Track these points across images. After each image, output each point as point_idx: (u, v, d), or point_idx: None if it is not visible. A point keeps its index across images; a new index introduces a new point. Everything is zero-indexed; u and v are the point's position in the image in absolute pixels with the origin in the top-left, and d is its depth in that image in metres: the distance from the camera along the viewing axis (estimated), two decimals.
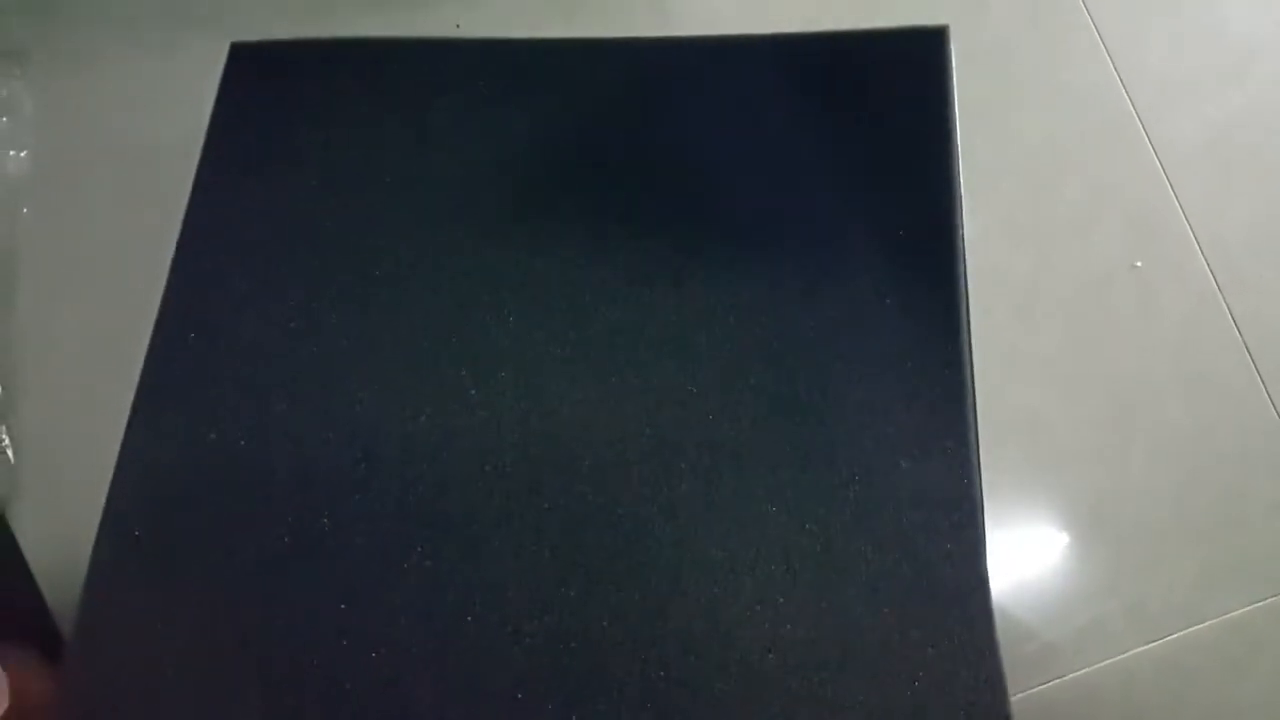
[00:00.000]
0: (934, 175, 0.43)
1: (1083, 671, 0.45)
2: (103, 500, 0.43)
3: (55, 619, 0.44)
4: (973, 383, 0.40)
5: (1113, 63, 0.54)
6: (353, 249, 0.42)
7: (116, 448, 0.44)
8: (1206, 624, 0.45)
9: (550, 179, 0.43)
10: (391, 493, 0.38)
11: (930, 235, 0.42)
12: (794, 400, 0.39)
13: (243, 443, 0.39)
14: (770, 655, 0.35)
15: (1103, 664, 0.45)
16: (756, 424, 0.39)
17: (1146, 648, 0.45)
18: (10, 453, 0.49)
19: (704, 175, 0.43)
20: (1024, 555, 0.46)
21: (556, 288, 0.40)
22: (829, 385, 0.40)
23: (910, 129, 0.43)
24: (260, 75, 0.47)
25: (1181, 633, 0.45)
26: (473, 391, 0.39)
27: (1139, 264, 0.50)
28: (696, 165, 0.44)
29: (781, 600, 0.36)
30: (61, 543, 0.46)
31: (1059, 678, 0.45)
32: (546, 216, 0.42)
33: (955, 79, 0.46)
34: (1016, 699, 0.44)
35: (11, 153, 0.57)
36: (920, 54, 0.44)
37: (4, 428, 0.49)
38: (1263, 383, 0.49)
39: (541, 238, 0.42)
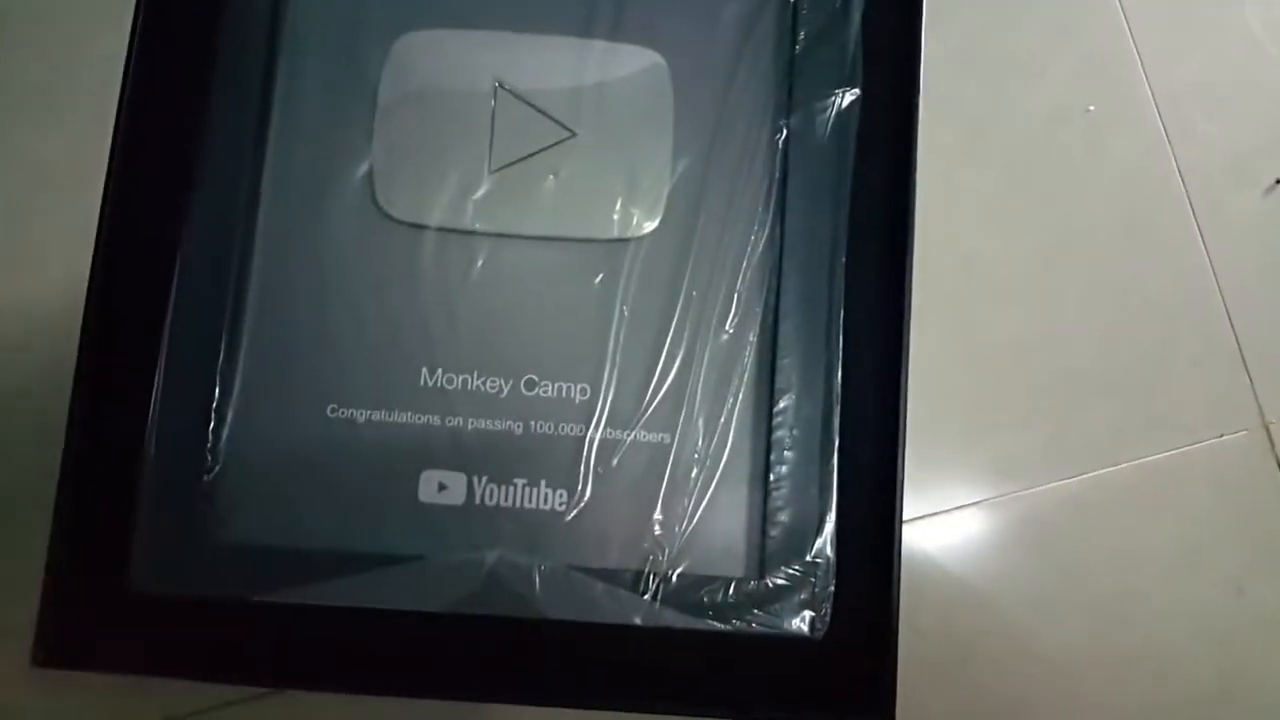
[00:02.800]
0: None
1: (992, 499, 0.45)
2: None
3: None
4: None
5: None
6: None
7: None
8: (1121, 466, 0.46)
9: None
10: None
11: None
12: None
13: None
14: None
15: (1013, 494, 0.45)
16: None
17: (1059, 484, 0.45)
18: None
19: None
20: (946, 385, 0.46)
21: None
22: None
23: None
24: None
25: (1095, 472, 0.45)
26: None
27: (1092, 108, 0.50)
28: None
29: None
30: None
31: (972, 504, 0.45)
32: None
33: None
34: (926, 520, 0.43)
35: None
36: None
37: None
38: (1201, 236, 0.49)
39: None
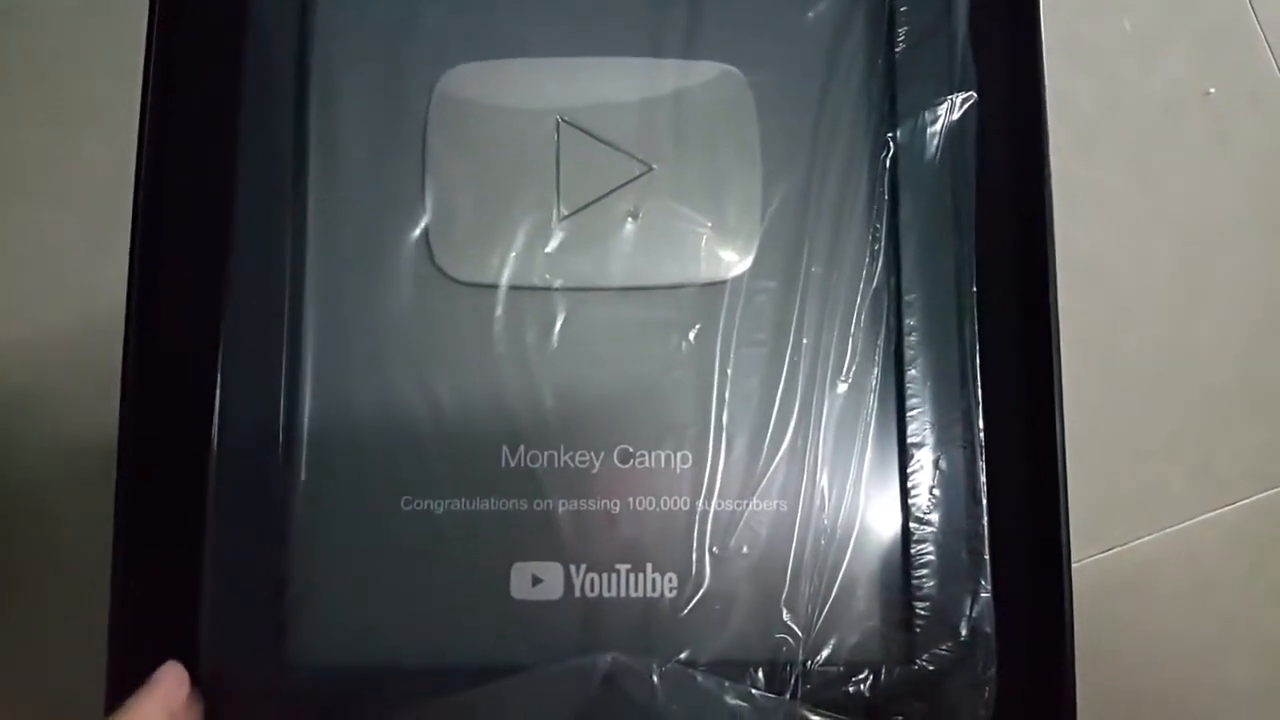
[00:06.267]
0: None
1: (1144, 539, 0.40)
2: None
3: None
4: None
5: None
6: None
7: None
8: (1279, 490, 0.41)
9: None
10: None
11: None
12: None
13: None
14: None
15: (1165, 531, 0.40)
16: None
17: (1213, 514, 0.41)
18: None
19: None
20: (1080, 414, 0.41)
21: None
22: None
23: None
24: None
25: (1251, 499, 0.41)
26: None
27: (1212, 90, 0.45)
28: None
29: None
30: None
31: (1119, 546, 0.40)
32: None
33: None
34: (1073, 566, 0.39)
35: None
36: None
37: None
38: None
39: None
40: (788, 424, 0.32)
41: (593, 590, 0.31)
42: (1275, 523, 0.41)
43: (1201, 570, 0.40)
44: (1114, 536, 0.40)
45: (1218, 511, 0.41)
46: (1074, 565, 0.40)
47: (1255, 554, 0.40)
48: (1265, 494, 0.41)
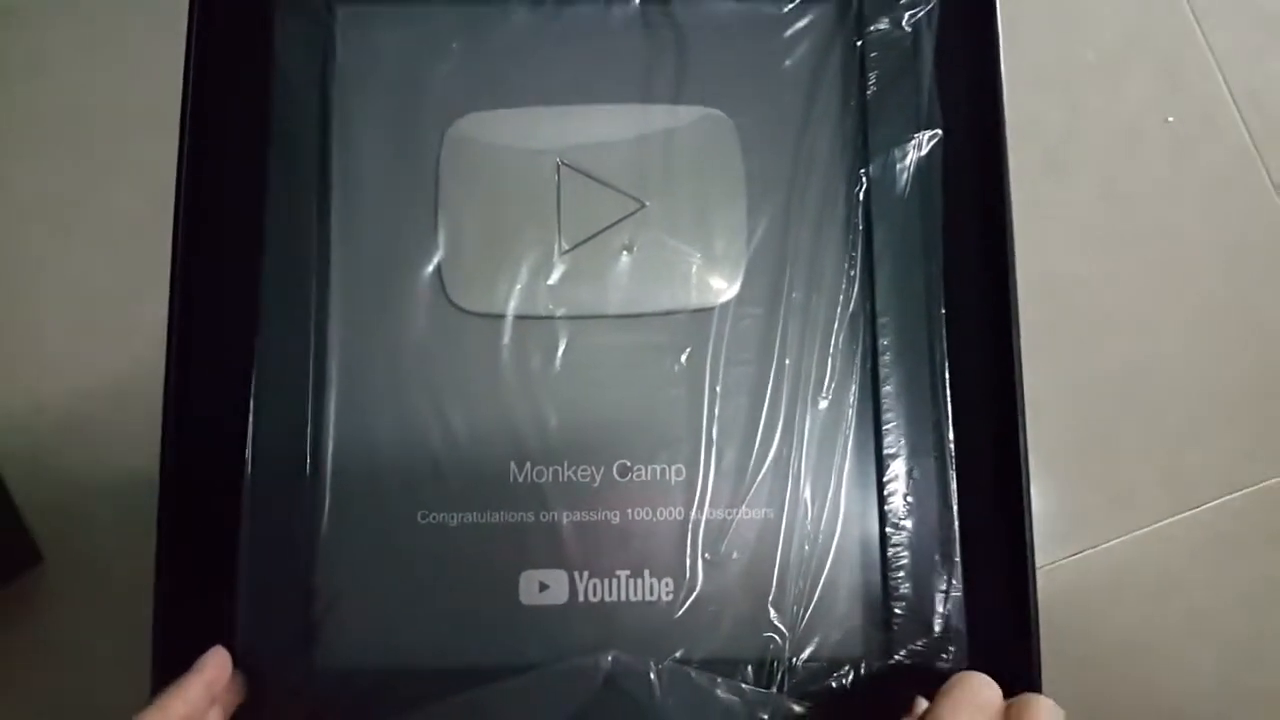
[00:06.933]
0: None
1: (1115, 541, 0.42)
2: None
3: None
4: None
5: None
6: None
7: None
8: (1244, 492, 0.43)
9: None
10: None
11: None
12: None
13: None
14: None
15: (1136, 533, 0.42)
16: None
17: (1182, 516, 0.43)
18: None
19: None
20: (1055, 422, 0.43)
21: None
22: None
23: None
24: None
25: (1218, 501, 0.43)
26: None
27: (1171, 119, 0.48)
28: None
29: None
30: None
31: (1091, 548, 0.42)
32: None
33: None
34: (1045, 570, 0.41)
35: None
36: None
37: None
38: None
39: None
40: (773, 438, 0.34)
41: (595, 595, 0.34)
42: (1242, 525, 0.43)
43: (1170, 572, 0.42)
44: (1086, 539, 0.42)
45: (1186, 515, 0.43)
46: (1047, 567, 0.42)
47: (1222, 556, 0.42)
48: (1230, 496, 0.43)
